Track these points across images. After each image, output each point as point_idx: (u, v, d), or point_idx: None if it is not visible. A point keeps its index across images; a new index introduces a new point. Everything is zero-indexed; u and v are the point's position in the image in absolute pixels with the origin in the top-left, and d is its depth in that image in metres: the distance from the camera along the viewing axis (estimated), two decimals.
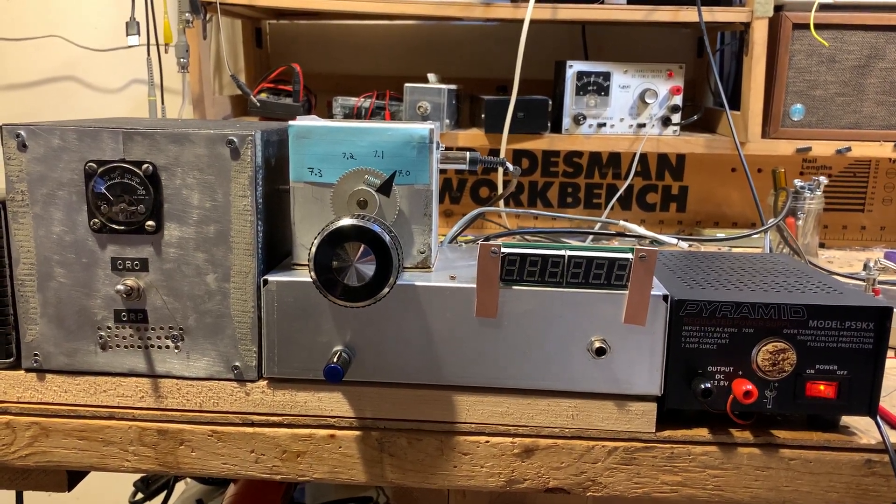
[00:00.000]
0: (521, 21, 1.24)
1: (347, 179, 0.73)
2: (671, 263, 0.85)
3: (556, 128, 1.33)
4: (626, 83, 1.31)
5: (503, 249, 0.69)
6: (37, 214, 0.73)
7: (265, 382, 0.75)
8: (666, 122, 1.32)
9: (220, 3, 1.29)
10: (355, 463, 0.74)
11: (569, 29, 1.53)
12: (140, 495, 1.37)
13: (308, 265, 0.67)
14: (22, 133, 0.72)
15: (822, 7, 1.24)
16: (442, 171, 1.48)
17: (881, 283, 1.05)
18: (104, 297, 0.74)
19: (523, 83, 1.26)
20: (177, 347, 0.75)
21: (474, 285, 0.70)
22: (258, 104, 1.36)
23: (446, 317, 0.71)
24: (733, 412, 0.71)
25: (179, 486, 1.44)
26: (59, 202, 0.73)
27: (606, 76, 1.30)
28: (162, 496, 1.37)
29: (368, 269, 0.67)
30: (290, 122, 0.73)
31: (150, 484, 1.37)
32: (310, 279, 0.67)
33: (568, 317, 0.71)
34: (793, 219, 1.20)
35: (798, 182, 1.20)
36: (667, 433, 0.72)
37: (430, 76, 1.35)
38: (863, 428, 0.72)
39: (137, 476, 1.37)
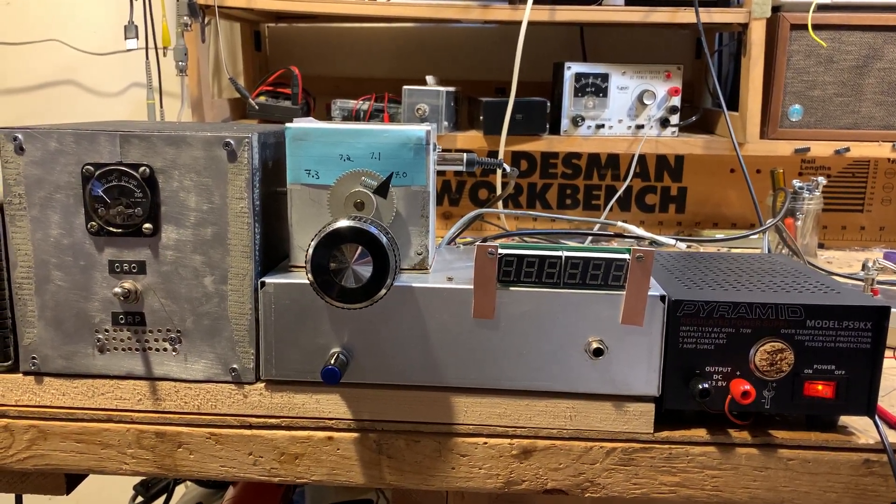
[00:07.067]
0: (519, 23, 1.24)
1: (344, 181, 0.73)
2: (669, 264, 0.85)
3: (555, 129, 1.33)
4: (624, 84, 1.31)
5: (500, 250, 0.69)
6: (34, 217, 0.73)
7: (263, 384, 0.75)
8: (664, 123, 1.32)
9: (218, 7, 1.30)
10: (353, 465, 0.74)
11: (567, 30, 1.54)
12: (140, 499, 1.37)
13: (305, 267, 0.67)
14: (19, 136, 0.72)
15: (820, 7, 1.24)
16: (440, 173, 1.50)
17: (880, 283, 1.05)
18: (102, 300, 0.74)
19: (521, 85, 1.26)
20: (174, 350, 0.75)
21: (471, 286, 0.70)
22: (257, 107, 1.36)
23: (443, 318, 0.71)
24: (731, 412, 0.71)
25: (179, 490, 1.44)
26: (57, 205, 0.73)
27: (605, 77, 1.30)
28: (162, 499, 1.37)
29: (365, 271, 0.67)
30: (287, 125, 0.73)
31: (150, 487, 1.37)
32: (307, 281, 0.67)
33: (565, 317, 0.71)
34: (791, 219, 1.19)
35: (797, 182, 1.20)
36: (665, 434, 0.72)
37: (429, 78, 1.35)
38: (861, 428, 0.72)
39: (137, 479, 1.37)
